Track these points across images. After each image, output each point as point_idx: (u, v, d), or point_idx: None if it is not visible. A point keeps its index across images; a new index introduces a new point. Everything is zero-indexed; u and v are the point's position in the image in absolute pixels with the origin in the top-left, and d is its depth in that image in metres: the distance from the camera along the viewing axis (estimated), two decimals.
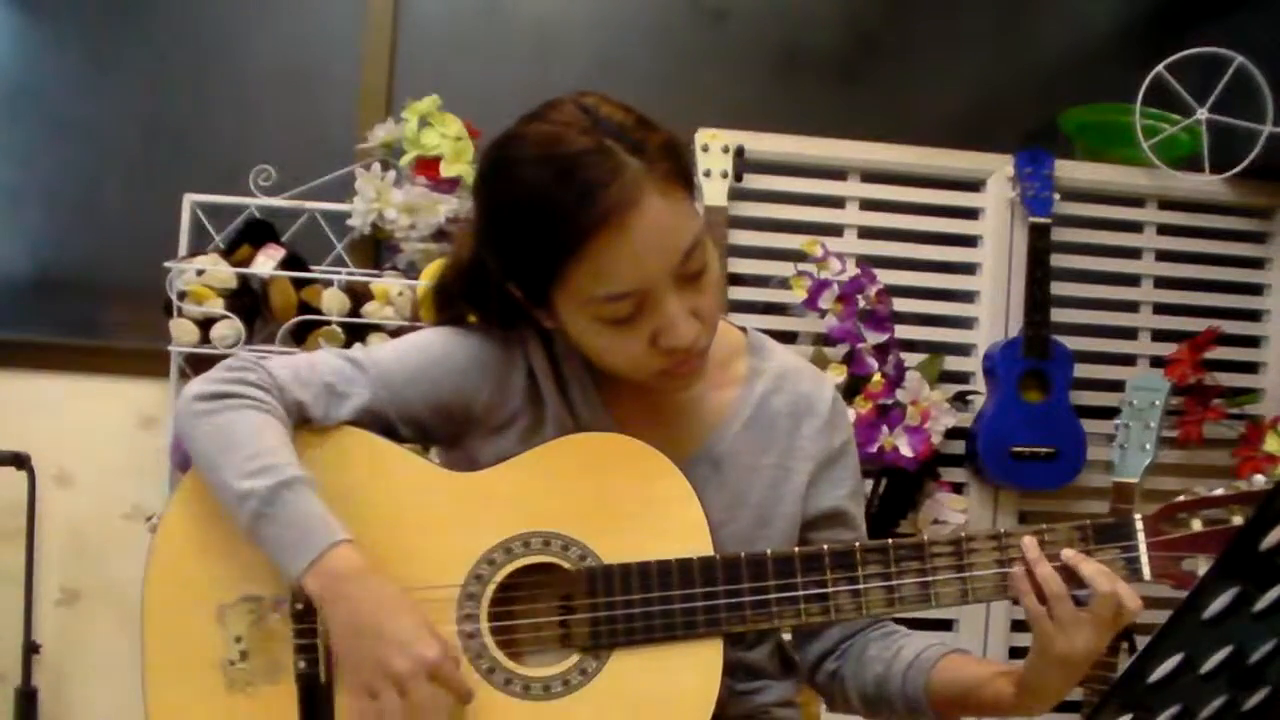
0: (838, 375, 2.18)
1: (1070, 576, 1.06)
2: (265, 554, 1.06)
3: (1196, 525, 1.08)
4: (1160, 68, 2.30)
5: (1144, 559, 1.08)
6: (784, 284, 2.27)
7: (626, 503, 1.12)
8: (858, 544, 1.11)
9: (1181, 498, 1.10)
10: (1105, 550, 1.08)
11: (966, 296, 2.40)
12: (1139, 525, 1.08)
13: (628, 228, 1.01)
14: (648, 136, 1.04)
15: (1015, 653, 2.33)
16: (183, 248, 2.27)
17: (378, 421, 1.17)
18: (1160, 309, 2.44)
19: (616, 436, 1.15)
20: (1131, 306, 2.44)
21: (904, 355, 2.26)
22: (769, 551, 1.10)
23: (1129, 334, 2.44)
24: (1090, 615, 1.05)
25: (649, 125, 1.06)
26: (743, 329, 1.29)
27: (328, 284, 2.17)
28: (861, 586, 1.09)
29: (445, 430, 1.20)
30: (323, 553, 1.03)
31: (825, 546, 1.10)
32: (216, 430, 1.09)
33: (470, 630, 1.10)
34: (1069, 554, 1.07)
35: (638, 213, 1.01)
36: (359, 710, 1.02)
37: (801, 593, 1.09)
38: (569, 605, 1.11)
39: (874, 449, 2.17)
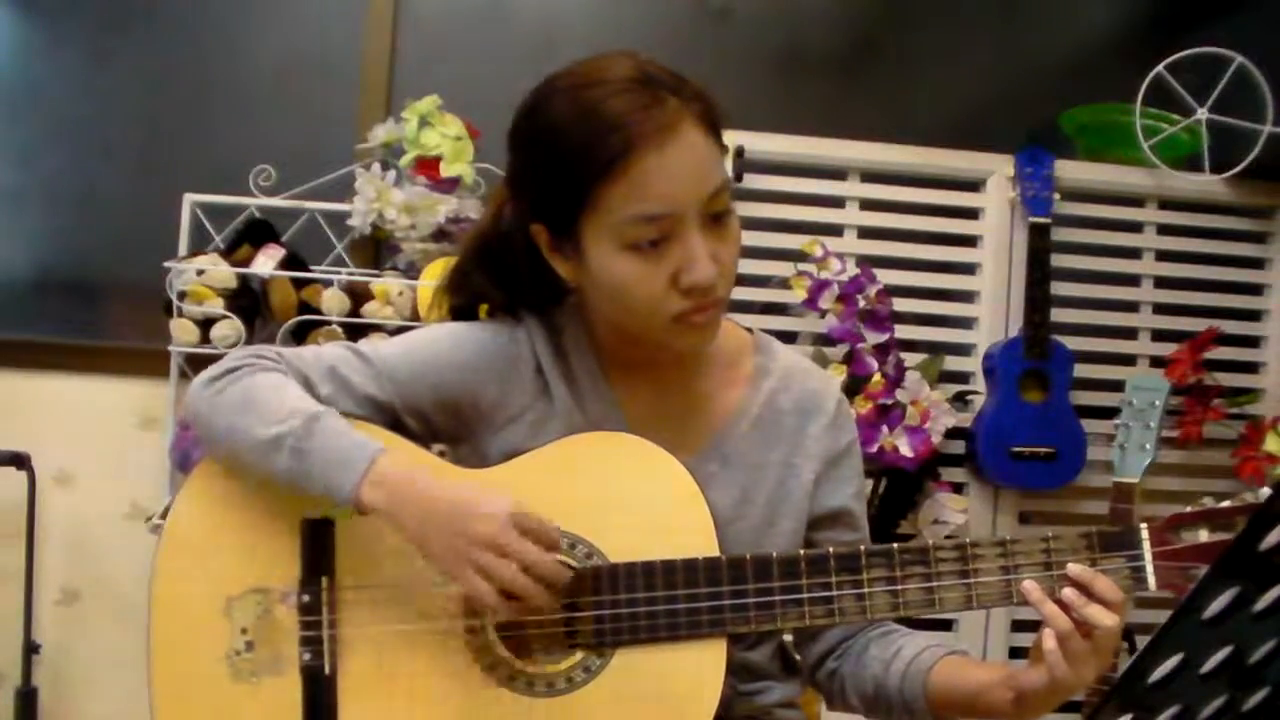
0: (838, 375, 2.18)
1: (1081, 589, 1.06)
2: (312, 489, 1.08)
3: (1203, 535, 1.08)
4: (1160, 68, 2.30)
5: (1149, 569, 1.07)
6: (784, 284, 2.27)
7: (633, 502, 1.12)
8: (863, 547, 1.11)
9: (1189, 509, 1.09)
10: (1110, 559, 1.07)
11: (966, 296, 2.40)
12: (1145, 535, 1.08)
13: (666, 149, 1.03)
14: (684, 83, 1.08)
15: (1015, 653, 2.33)
16: (183, 248, 2.27)
17: (383, 415, 1.17)
18: (1160, 309, 2.45)
19: (624, 435, 1.15)
20: (1131, 306, 2.45)
21: (904, 355, 2.26)
22: (774, 553, 1.10)
23: (1129, 334, 2.44)
24: (1096, 648, 1.04)
25: (684, 78, 1.09)
26: (749, 329, 1.30)
27: (328, 284, 2.17)
28: (866, 590, 1.09)
29: (451, 426, 1.20)
30: (369, 464, 1.06)
31: (830, 549, 1.11)
32: (239, 395, 1.12)
33: (475, 626, 1.10)
34: (1075, 569, 1.06)
35: (676, 137, 1.04)
36: (473, 593, 1.04)
37: (806, 595, 1.09)
38: (574, 603, 1.10)
39: (874, 449, 2.17)
